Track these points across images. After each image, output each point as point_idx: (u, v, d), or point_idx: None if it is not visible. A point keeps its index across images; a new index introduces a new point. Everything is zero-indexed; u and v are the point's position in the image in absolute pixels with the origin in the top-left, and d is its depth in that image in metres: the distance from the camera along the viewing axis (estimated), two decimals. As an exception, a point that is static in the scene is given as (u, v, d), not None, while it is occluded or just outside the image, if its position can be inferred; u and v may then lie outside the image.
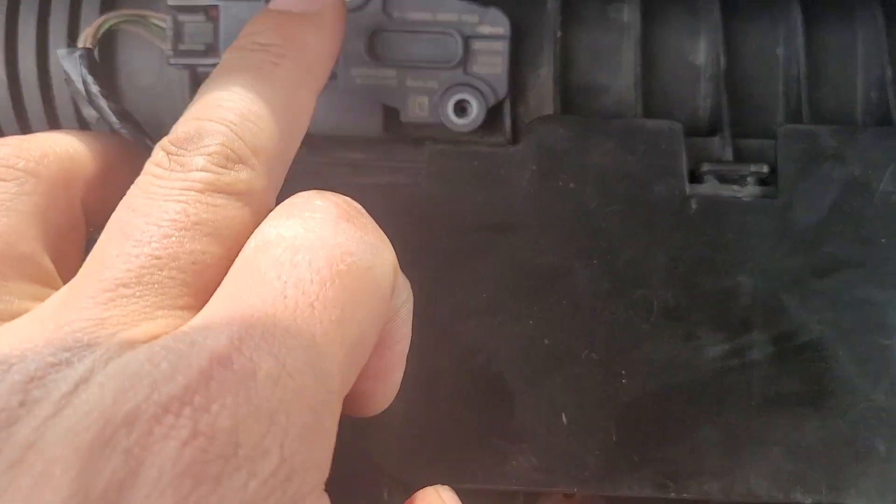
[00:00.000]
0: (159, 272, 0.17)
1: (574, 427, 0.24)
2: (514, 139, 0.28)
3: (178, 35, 0.26)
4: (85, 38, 0.25)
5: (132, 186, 0.19)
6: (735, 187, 0.26)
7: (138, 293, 0.17)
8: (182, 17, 0.26)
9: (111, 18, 0.26)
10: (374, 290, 0.18)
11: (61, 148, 0.21)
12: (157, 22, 0.27)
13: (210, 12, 0.26)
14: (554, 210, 0.26)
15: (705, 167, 0.26)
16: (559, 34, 0.28)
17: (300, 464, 0.15)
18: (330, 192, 0.19)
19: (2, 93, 0.28)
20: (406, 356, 0.21)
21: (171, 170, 0.18)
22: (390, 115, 0.28)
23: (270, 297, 0.16)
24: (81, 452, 0.14)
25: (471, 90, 0.27)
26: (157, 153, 0.19)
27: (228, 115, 0.19)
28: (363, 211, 0.19)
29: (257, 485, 0.14)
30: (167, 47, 0.27)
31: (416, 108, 0.28)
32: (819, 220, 0.25)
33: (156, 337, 0.16)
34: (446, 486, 0.21)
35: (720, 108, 0.28)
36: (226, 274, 0.18)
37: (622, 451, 0.24)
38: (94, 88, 0.25)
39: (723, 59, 0.28)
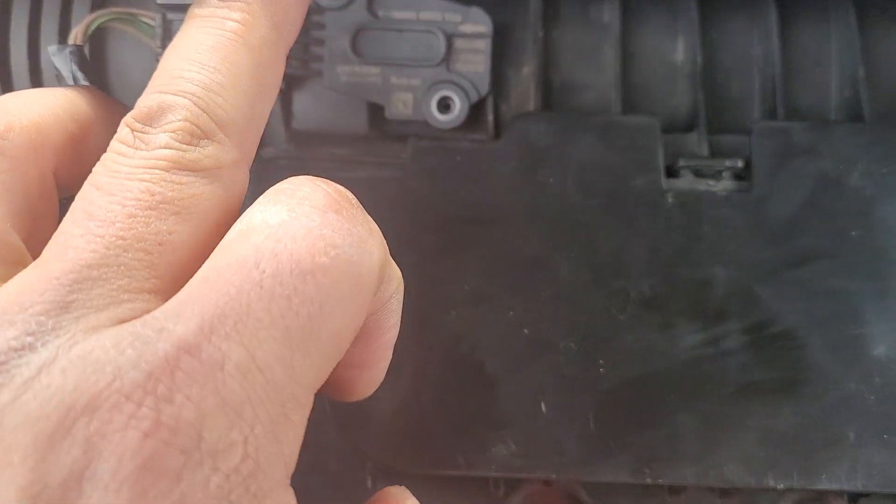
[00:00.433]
0: (125, 254, 0.16)
1: (553, 415, 0.25)
2: (497, 136, 0.29)
3: (166, 33, 0.27)
4: (75, 36, 0.26)
5: (97, 164, 0.18)
6: (710, 182, 0.27)
7: (104, 275, 0.16)
8: (171, 16, 0.26)
9: (101, 16, 0.27)
10: (357, 285, 0.17)
11: (27, 118, 0.20)
12: (146, 20, 0.27)
13: (198, 11, 0.27)
14: (535, 204, 0.26)
15: (681, 162, 0.27)
16: (541, 34, 0.29)
17: (265, 459, 0.15)
18: (321, 180, 0.18)
19: (-8, 88, 0.29)
20: (393, 346, 0.20)
21: (136, 147, 0.18)
22: (375, 111, 0.29)
23: (247, 286, 0.16)
24: (41, 441, 0.14)
25: (454, 87, 0.28)
26: (122, 129, 0.18)
27: (191, 86, 0.19)
28: (354, 201, 0.18)
29: (220, 480, 0.14)
30: (156, 45, 0.27)
31: (400, 105, 0.28)
32: (792, 213, 0.26)
33: (122, 321, 0.15)
34: (404, 487, 0.20)
35: (697, 106, 0.29)
36: (195, 254, 0.17)
37: (600, 438, 0.24)
38: (85, 85, 0.25)
39: (700, 58, 0.29)
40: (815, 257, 0.26)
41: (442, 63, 0.28)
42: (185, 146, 0.18)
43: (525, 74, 0.30)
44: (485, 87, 0.28)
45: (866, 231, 0.26)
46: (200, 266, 0.18)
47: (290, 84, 0.29)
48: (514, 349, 0.25)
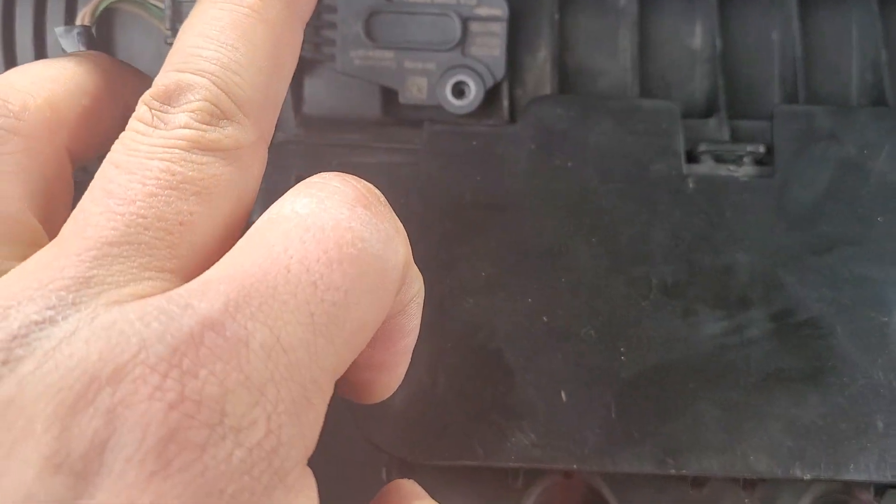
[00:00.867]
0: (145, 232, 0.16)
1: (573, 404, 0.24)
2: (512, 121, 0.28)
3: (175, 14, 0.26)
4: (83, 16, 0.25)
5: (116, 142, 0.18)
6: (731, 167, 0.26)
7: (125, 253, 0.16)
8: (180, -3, 0.26)
9: (109, -3, 0.26)
10: (382, 278, 0.17)
11: (41, 95, 0.20)
12: (154, 2, 0.27)
13: (208, -8, 0.26)
14: (552, 188, 0.26)
15: (702, 147, 0.26)
16: (557, 17, 0.29)
17: (287, 438, 0.15)
18: (351, 176, 0.18)
19: (-2, 73, 0.28)
20: (412, 350, 0.20)
21: (155, 126, 0.18)
22: (388, 96, 0.28)
23: (273, 270, 0.16)
24: (63, 410, 0.14)
25: (469, 72, 0.27)
26: (140, 108, 0.18)
27: (209, 65, 0.18)
28: (383, 199, 0.18)
29: (242, 454, 0.14)
30: (165, 27, 0.26)
31: (415, 90, 0.28)
32: (816, 198, 0.26)
33: (142, 298, 0.15)
34: (413, 481, 0.20)
35: (716, 91, 0.28)
36: (215, 234, 0.17)
37: (622, 427, 0.24)
38: (93, 52, 0.25)
39: (719, 42, 0.28)
40: (840, 243, 0.25)
41: (457, 47, 0.27)
42: (204, 126, 0.18)
43: (540, 59, 0.29)
44: (500, 71, 0.28)
45: (891, 216, 0.25)
46: (219, 247, 0.18)
47: (301, 68, 0.28)
48: (533, 337, 0.24)
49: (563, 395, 0.24)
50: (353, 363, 0.19)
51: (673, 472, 0.24)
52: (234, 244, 0.18)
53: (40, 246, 0.17)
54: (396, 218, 0.18)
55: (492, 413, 0.24)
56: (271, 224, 0.17)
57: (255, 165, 0.19)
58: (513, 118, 0.28)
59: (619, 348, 0.24)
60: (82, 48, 0.25)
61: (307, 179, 0.18)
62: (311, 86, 0.28)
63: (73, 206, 0.17)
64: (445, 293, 0.25)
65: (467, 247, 0.25)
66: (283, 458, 0.15)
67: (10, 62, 0.28)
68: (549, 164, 0.26)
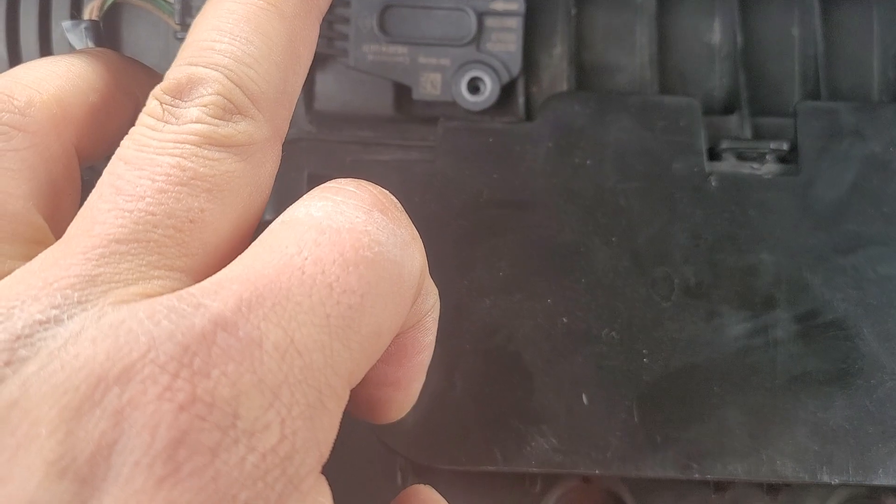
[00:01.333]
0: (155, 229, 0.16)
1: (595, 407, 0.23)
2: (528, 118, 0.28)
3: (185, 9, 0.26)
4: (90, 11, 0.25)
5: (125, 138, 0.17)
6: (754, 165, 0.26)
7: (133, 251, 0.15)
8: (190, -9, 0.25)
9: (117, -10, 0.25)
10: (399, 284, 0.17)
11: (48, 91, 0.19)
12: (163, -4, 0.26)
13: (219, -15, 0.25)
14: (571, 187, 0.25)
15: (724, 144, 0.26)
16: (574, 12, 0.28)
17: (301, 443, 0.14)
18: (367, 182, 0.18)
19: (2, 67, 0.27)
20: (427, 367, 0.20)
21: (165, 121, 0.17)
22: (401, 92, 0.28)
23: (288, 270, 0.15)
24: (69, 412, 0.13)
25: (484, 68, 0.27)
26: (151, 102, 0.18)
27: (223, 59, 0.18)
28: (399, 205, 0.18)
29: (256, 460, 0.14)
30: (174, 22, 0.26)
31: (429, 86, 0.27)
32: (841, 197, 0.25)
33: (152, 297, 0.15)
34: (430, 486, 0.19)
35: (737, 88, 0.28)
36: (226, 232, 0.17)
37: (644, 431, 0.23)
38: (101, 49, 0.24)
39: (739, 38, 0.28)
40: (866, 243, 0.25)
41: (472, 42, 0.27)
42: (217, 121, 0.17)
43: (556, 55, 0.28)
44: (516, 67, 0.27)
45: (918, 215, 0.25)
46: (232, 245, 0.17)
47: (313, 64, 0.27)
48: (553, 339, 0.24)
49: (584, 398, 0.24)
50: (367, 381, 0.18)
51: (697, 476, 0.23)
52: (247, 242, 0.18)
53: (46, 245, 0.16)
54: (412, 225, 0.18)
55: (511, 417, 0.23)
56: (285, 227, 0.16)
57: (269, 162, 0.18)
58: (528, 115, 0.28)
59: (641, 350, 0.24)
60: (90, 43, 0.24)
61: (323, 184, 0.17)
62: (323, 82, 0.28)
63: (81, 203, 0.17)
64: (463, 294, 0.24)
65: (484, 246, 0.25)
66: (298, 464, 0.14)
67: (15, 57, 0.27)
68: (567, 162, 0.25)
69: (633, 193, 0.25)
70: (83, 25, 0.24)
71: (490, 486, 0.25)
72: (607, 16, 0.29)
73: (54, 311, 0.14)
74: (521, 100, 0.28)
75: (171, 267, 0.16)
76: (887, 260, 0.24)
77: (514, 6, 0.27)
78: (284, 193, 0.26)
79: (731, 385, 0.24)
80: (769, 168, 0.26)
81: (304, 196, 0.17)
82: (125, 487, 0.13)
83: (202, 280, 0.16)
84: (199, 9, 0.26)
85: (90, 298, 0.14)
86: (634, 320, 0.24)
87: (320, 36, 0.26)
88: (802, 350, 0.24)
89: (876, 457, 0.23)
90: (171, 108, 0.17)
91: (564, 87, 0.28)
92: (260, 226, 0.19)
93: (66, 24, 0.24)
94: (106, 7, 0.25)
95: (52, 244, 0.16)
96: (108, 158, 0.18)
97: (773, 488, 0.25)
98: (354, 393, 0.16)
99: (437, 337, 0.20)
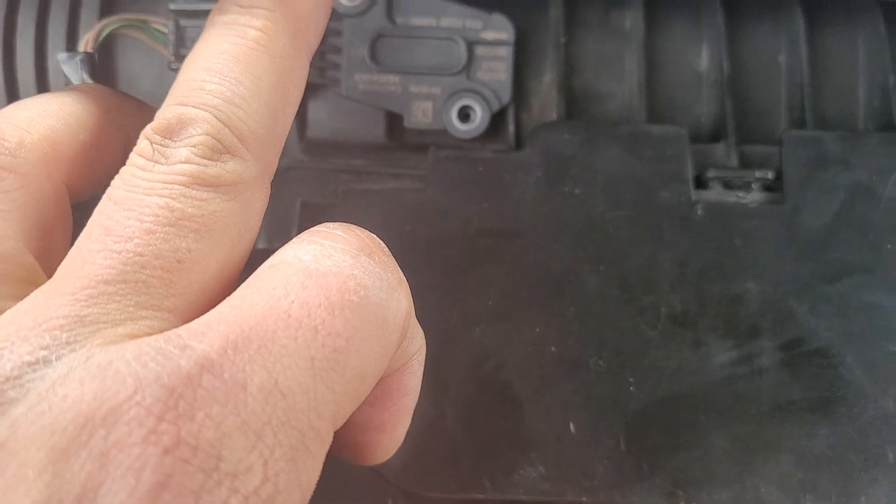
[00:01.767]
0: (142, 270, 0.16)
1: (582, 435, 0.24)
2: (518, 145, 0.28)
3: (179, 40, 0.26)
4: (86, 43, 0.25)
5: (116, 177, 0.18)
6: (740, 193, 0.26)
7: (121, 291, 0.16)
8: (184, 22, 0.26)
9: (112, 23, 0.26)
10: (384, 328, 0.17)
11: (38, 132, 0.19)
12: (158, 27, 0.26)
13: (212, 17, 0.26)
14: (560, 215, 0.25)
15: (711, 173, 0.26)
16: (563, 41, 0.28)
17: (284, 485, 0.14)
18: (355, 226, 0.18)
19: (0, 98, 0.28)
20: (412, 411, 0.20)
21: (155, 161, 0.17)
22: (392, 120, 0.28)
23: (274, 313, 0.16)
24: (56, 454, 0.13)
25: (475, 96, 0.27)
26: (142, 142, 0.18)
27: (213, 99, 0.18)
28: (386, 249, 0.18)
29: (238, 502, 0.14)
30: (168, 52, 0.26)
31: (420, 115, 0.27)
32: (825, 225, 0.25)
33: (138, 337, 0.15)
34: None
35: (724, 115, 0.28)
36: (213, 272, 0.17)
37: (631, 459, 0.24)
38: (92, 84, 0.24)
39: (726, 66, 0.28)
40: (850, 271, 0.25)
41: (463, 71, 0.27)
42: (205, 161, 0.18)
43: (546, 82, 0.29)
44: (506, 95, 0.27)
45: (901, 244, 0.25)
46: (219, 284, 0.18)
47: (306, 92, 0.28)
48: (542, 367, 0.24)
49: (571, 426, 0.24)
50: (352, 423, 0.18)
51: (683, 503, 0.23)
52: (235, 280, 0.18)
53: (37, 284, 0.17)
54: (399, 269, 0.18)
55: (500, 445, 0.24)
56: (273, 269, 0.17)
57: (258, 201, 0.19)
58: (518, 142, 0.28)
59: (629, 379, 0.24)
60: (85, 75, 0.25)
61: (312, 228, 0.18)
62: (316, 110, 0.28)
63: (72, 240, 0.17)
64: (453, 322, 0.25)
65: (474, 275, 0.25)
66: None
67: (12, 88, 0.27)
68: (556, 190, 0.26)
69: (621, 222, 0.25)
70: (78, 57, 0.24)
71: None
72: (596, 43, 0.29)
73: (43, 352, 0.14)
74: (511, 127, 0.28)
75: (159, 307, 0.16)
76: (871, 288, 0.25)
77: (503, 36, 0.27)
78: (277, 222, 0.26)
79: (716, 413, 0.24)
80: (755, 197, 0.26)
81: (294, 239, 0.18)
82: None
83: (189, 319, 0.16)
84: (192, 40, 0.26)
85: (78, 339, 0.15)
86: (622, 349, 0.24)
87: (312, 66, 0.27)
88: (787, 378, 0.24)
89: (859, 484, 0.23)
90: (161, 147, 0.18)
91: (554, 113, 0.28)
92: (253, 254, 0.19)
93: (62, 56, 0.24)
94: (101, 39, 0.25)
95: (43, 283, 0.16)
96: (101, 192, 0.18)
97: (758, 514, 0.25)
98: (339, 435, 0.16)
99: (428, 364, 0.20)
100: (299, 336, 0.15)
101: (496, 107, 0.27)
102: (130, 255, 0.16)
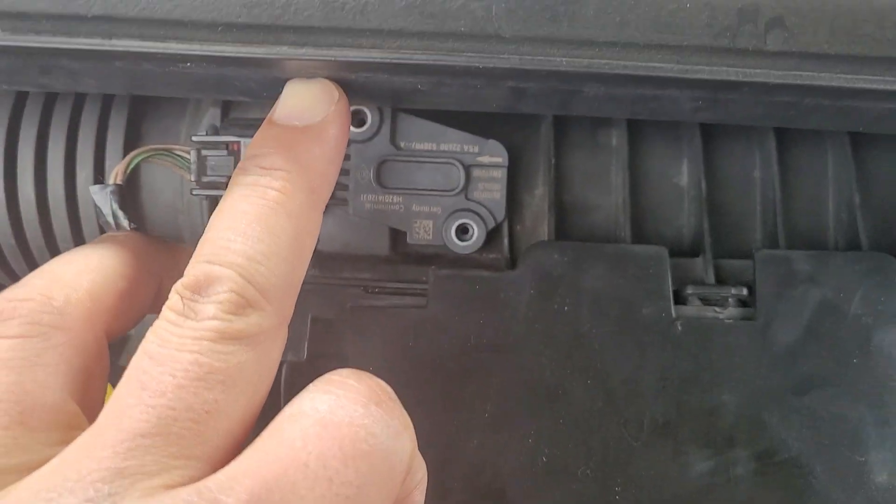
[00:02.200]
0: (175, 423, 0.18)
1: (572, 541, 0.26)
2: (512, 256, 0.30)
3: (201, 168, 0.28)
4: (115, 174, 0.27)
5: (149, 331, 0.20)
6: (717, 308, 0.28)
7: (156, 444, 0.18)
8: (205, 152, 0.28)
9: (140, 153, 0.28)
10: (390, 471, 0.19)
11: (83, 288, 0.22)
12: (181, 153, 0.29)
13: (231, 146, 0.28)
14: (550, 331, 0.28)
15: (689, 290, 0.28)
16: (553, 161, 0.31)
17: None
18: (366, 374, 0.20)
19: (31, 216, 0.30)
20: None
21: (186, 316, 0.19)
22: (396, 235, 0.31)
23: (293, 465, 0.18)
24: None
25: (472, 215, 0.29)
26: (173, 296, 0.20)
27: (237, 258, 0.20)
28: (393, 395, 0.20)
29: None
30: (191, 178, 0.28)
31: (422, 232, 0.30)
32: (796, 340, 0.27)
33: (172, 487, 0.17)
34: None
35: (702, 229, 0.30)
36: (237, 417, 0.19)
37: (617, 564, 0.25)
38: (125, 222, 0.27)
39: (704, 183, 0.30)
40: (819, 384, 0.27)
41: (461, 191, 0.29)
42: (230, 316, 0.20)
43: (538, 195, 0.31)
44: (501, 213, 0.30)
45: (867, 358, 0.27)
46: (241, 428, 0.20)
47: (316, 210, 0.30)
48: (534, 476, 0.26)
49: (562, 533, 0.26)
50: None
51: None
52: (254, 420, 0.20)
53: (81, 428, 0.19)
54: (405, 412, 0.20)
55: (495, 550, 0.26)
56: (292, 420, 0.19)
57: (276, 348, 0.21)
58: (513, 253, 0.30)
59: (614, 488, 0.26)
60: (114, 205, 0.27)
61: (327, 375, 0.20)
62: (326, 225, 0.30)
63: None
64: (453, 432, 0.27)
65: (472, 387, 0.27)
66: None
67: (43, 211, 0.29)
68: (547, 307, 0.28)
69: (606, 337, 0.28)
70: (109, 189, 0.27)
71: None
72: (584, 161, 0.31)
73: None
74: (505, 241, 0.30)
75: (190, 456, 0.18)
76: (839, 400, 0.27)
77: (498, 159, 0.30)
78: (290, 336, 0.28)
79: (695, 521, 0.26)
80: (730, 312, 0.28)
81: (310, 387, 0.20)
82: None
83: (217, 463, 0.18)
84: (213, 168, 0.28)
85: (119, 491, 0.17)
86: (608, 458, 0.26)
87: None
88: (760, 488, 0.26)
89: (828, 589, 0.25)
90: (190, 303, 0.20)
91: (545, 226, 0.30)
92: None
93: (94, 188, 0.27)
94: (130, 169, 0.28)
95: (84, 426, 0.19)
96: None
97: None
98: None
99: (430, 474, 0.22)
100: (316, 486, 0.18)
101: (492, 224, 0.30)
102: (164, 409, 0.18)
